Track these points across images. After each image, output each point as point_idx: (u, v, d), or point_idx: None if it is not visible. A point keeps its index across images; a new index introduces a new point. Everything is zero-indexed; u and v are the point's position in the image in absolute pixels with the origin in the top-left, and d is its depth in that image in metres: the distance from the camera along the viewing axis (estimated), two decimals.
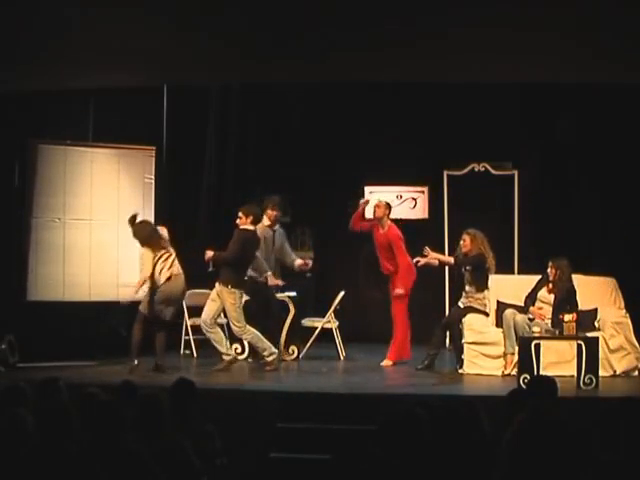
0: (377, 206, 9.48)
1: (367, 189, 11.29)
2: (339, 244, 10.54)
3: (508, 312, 8.67)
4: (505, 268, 10.11)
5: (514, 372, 8.22)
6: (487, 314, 8.94)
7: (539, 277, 8.92)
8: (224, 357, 8.71)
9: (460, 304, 9.03)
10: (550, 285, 8.76)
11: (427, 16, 6.28)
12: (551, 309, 8.64)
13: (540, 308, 8.71)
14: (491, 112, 10.74)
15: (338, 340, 9.83)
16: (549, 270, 8.74)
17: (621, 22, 6.24)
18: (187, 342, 9.93)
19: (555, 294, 8.69)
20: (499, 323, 8.85)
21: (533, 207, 10.92)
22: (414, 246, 10.24)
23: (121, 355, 8.96)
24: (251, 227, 8.82)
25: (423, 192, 11.36)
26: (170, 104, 10.27)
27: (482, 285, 8.91)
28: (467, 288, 8.97)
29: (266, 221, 9.35)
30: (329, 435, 6.64)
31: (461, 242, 8.97)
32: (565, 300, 8.55)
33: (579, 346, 7.95)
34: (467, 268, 8.93)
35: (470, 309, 8.88)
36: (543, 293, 8.81)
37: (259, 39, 6.83)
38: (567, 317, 8.07)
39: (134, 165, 10.06)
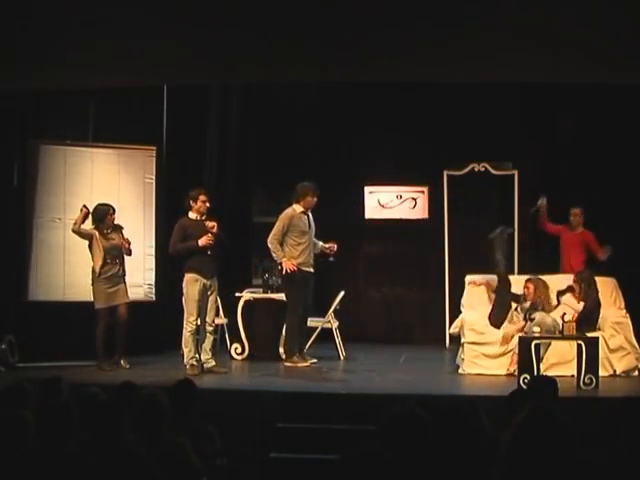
0: (575, 214, 10.02)
1: (367, 189, 11.30)
2: (339, 244, 10.48)
3: None
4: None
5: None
6: None
7: None
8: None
9: None
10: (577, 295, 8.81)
11: (427, 16, 6.27)
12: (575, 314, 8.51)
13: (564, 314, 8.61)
14: (491, 112, 10.75)
15: (338, 340, 9.83)
16: (573, 284, 8.78)
17: (621, 22, 6.24)
18: None
19: (585, 303, 8.70)
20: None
21: (533, 207, 10.91)
22: (414, 246, 10.26)
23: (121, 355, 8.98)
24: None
25: (423, 192, 11.37)
26: (170, 104, 10.27)
27: None
28: None
29: (299, 208, 9.29)
30: (329, 435, 6.65)
31: None
32: (592, 313, 8.59)
33: (579, 346, 7.95)
34: None
35: None
36: (570, 299, 8.81)
37: (260, 39, 6.82)
38: (567, 317, 8.07)
39: (134, 165, 10.07)
